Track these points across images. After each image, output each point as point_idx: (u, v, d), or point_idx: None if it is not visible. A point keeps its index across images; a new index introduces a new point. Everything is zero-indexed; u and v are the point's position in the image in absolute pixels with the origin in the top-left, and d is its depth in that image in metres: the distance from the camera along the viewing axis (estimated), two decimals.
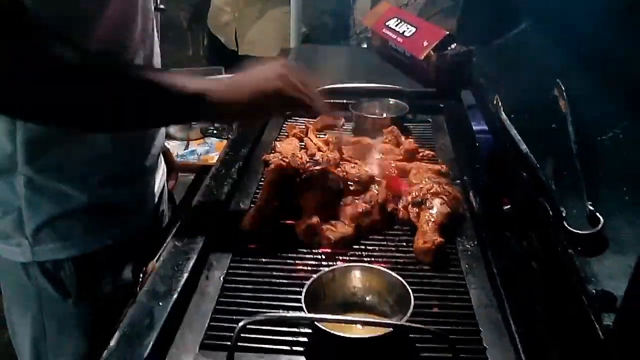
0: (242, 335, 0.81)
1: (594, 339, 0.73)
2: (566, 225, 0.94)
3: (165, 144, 2.36)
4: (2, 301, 1.25)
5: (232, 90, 1.02)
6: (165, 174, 1.45)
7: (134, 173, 1.22)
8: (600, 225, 0.91)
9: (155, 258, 1.03)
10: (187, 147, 2.45)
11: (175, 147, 2.38)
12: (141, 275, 1.23)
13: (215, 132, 2.30)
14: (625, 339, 0.68)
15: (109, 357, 0.79)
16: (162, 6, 1.16)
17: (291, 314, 0.86)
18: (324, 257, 1.03)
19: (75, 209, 1.13)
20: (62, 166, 1.09)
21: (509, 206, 1.17)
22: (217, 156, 2.27)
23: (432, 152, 1.38)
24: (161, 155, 1.41)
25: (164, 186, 1.42)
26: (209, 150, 2.44)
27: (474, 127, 1.61)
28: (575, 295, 0.83)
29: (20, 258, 1.14)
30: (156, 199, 1.35)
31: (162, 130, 1.34)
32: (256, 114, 1.16)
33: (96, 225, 1.16)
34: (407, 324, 0.78)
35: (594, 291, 0.83)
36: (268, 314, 0.86)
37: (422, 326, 0.78)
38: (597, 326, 0.73)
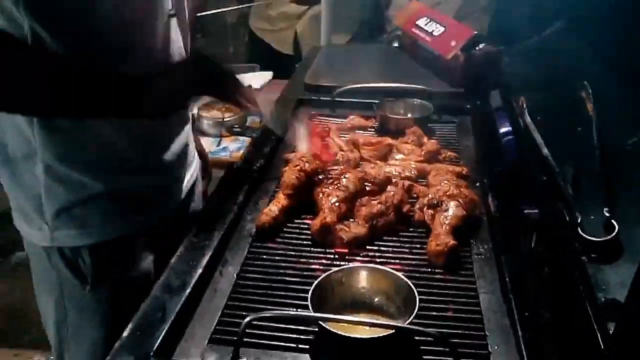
0: (249, 331, 0.83)
1: (597, 348, 0.72)
2: (580, 231, 0.93)
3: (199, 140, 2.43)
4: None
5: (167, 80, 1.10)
6: (199, 171, 1.47)
7: (152, 165, 1.25)
8: (615, 233, 0.90)
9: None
10: (219, 144, 2.47)
11: (207, 144, 2.42)
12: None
13: (240, 129, 2.32)
14: (623, 348, 0.67)
15: (120, 348, 0.82)
16: (172, 12, 1.18)
17: (295, 312, 0.87)
18: (336, 256, 1.04)
19: (91, 198, 1.16)
20: (77, 154, 1.13)
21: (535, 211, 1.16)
22: None
23: (454, 154, 1.37)
24: (194, 152, 1.44)
25: (194, 183, 1.45)
26: (240, 147, 2.45)
27: (502, 129, 1.59)
28: (583, 303, 0.82)
29: (42, 241, 1.19)
30: (183, 194, 1.38)
31: (186, 128, 1.36)
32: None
33: (113, 215, 1.20)
34: (408, 326, 0.79)
35: (603, 299, 0.82)
36: (273, 311, 0.87)
37: (422, 329, 0.78)
38: (598, 335, 0.72)
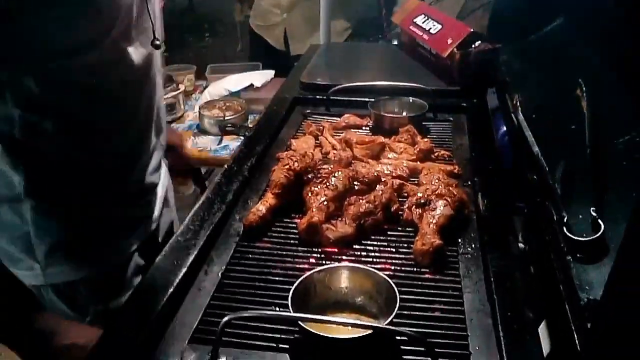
0: (230, 330, 0.83)
1: (574, 349, 0.72)
2: (565, 230, 0.92)
3: (200, 139, 2.43)
4: None
5: None
6: (167, 180, 1.46)
7: (140, 186, 1.25)
8: (600, 232, 0.89)
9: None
10: (220, 142, 2.48)
11: (208, 142, 2.43)
12: None
13: (233, 129, 2.32)
14: (598, 349, 0.66)
15: (100, 346, 0.82)
16: (157, 42, 1.18)
17: (274, 312, 0.87)
18: (323, 255, 1.04)
19: (82, 231, 1.15)
20: (64, 190, 1.12)
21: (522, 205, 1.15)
22: None
23: (447, 153, 1.36)
24: (161, 161, 1.42)
25: (166, 193, 1.44)
26: None
27: (498, 129, 1.58)
28: (565, 304, 0.81)
29: (33, 281, 1.16)
30: (160, 205, 1.37)
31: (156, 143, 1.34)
32: None
33: (107, 243, 1.19)
34: (385, 326, 0.78)
35: (585, 299, 0.81)
36: (252, 311, 0.87)
37: (398, 329, 0.77)
38: (575, 336, 0.71)
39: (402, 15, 1.91)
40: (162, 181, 1.36)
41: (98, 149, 1.14)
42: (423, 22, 1.78)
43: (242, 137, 2.51)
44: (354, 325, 0.79)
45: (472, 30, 1.62)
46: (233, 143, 2.49)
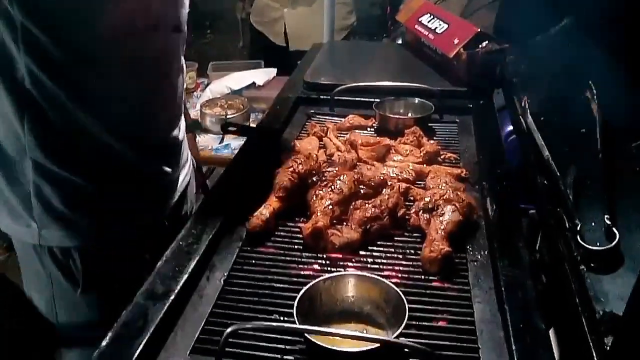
0: (233, 340, 0.81)
1: None
2: (579, 239, 0.89)
3: (201, 137, 2.40)
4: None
5: None
6: (192, 173, 1.46)
7: (146, 169, 1.24)
8: (615, 241, 0.86)
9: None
10: (221, 141, 2.45)
11: (210, 141, 2.40)
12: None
13: (235, 129, 2.30)
14: None
15: (98, 357, 0.79)
16: (177, 26, 1.20)
17: (279, 324, 0.84)
18: (328, 262, 1.01)
19: (82, 200, 1.15)
20: (69, 154, 1.12)
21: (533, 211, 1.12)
22: None
23: (454, 155, 1.33)
24: (188, 153, 1.42)
25: (187, 185, 1.43)
26: None
27: (506, 131, 1.56)
28: (580, 316, 0.78)
29: (29, 239, 1.18)
30: (176, 197, 1.36)
31: (182, 128, 1.34)
32: None
33: (105, 218, 1.19)
34: (394, 340, 0.76)
35: (601, 312, 0.79)
36: (257, 322, 0.84)
37: (407, 342, 0.75)
38: (592, 350, 0.68)
39: (407, 14, 1.88)
40: (184, 170, 1.38)
41: (107, 121, 1.14)
42: (429, 22, 1.75)
43: (242, 137, 2.49)
44: (361, 339, 0.77)
45: (479, 30, 1.58)
46: (235, 142, 2.46)
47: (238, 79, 2.67)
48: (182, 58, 1.31)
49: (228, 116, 2.43)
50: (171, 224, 1.38)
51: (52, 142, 1.12)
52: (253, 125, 2.28)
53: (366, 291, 0.88)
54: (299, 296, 0.84)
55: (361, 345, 0.77)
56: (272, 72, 2.72)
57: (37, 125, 1.10)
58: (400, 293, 0.84)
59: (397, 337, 0.78)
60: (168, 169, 1.31)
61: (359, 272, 0.92)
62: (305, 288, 0.86)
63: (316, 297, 0.87)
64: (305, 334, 0.78)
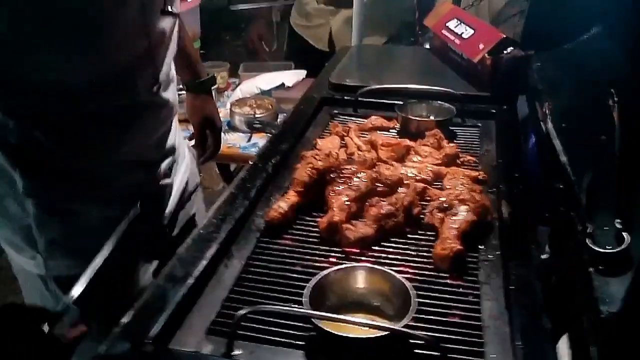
0: (247, 324, 0.85)
1: None
2: (588, 242, 0.90)
3: (230, 135, 2.45)
4: None
5: None
6: (187, 175, 1.46)
7: (144, 188, 1.25)
8: (624, 244, 0.87)
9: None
10: (249, 139, 2.50)
11: (238, 139, 2.45)
12: None
13: (260, 126, 2.34)
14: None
15: (118, 334, 0.84)
16: (173, 9, 1.18)
17: (290, 308, 0.88)
18: (343, 255, 1.04)
19: (86, 227, 1.16)
20: (66, 189, 1.13)
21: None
22: None
23: (473, 158, 1.35)
24: (185, 153, 1.44)
25: (184, 190, 1.44)
26: None
27: (529, 137, 1.56)
28: (585, 317, 0.80)
29: (35, 270, 1.19)
30: (173, 204, 1.37)
31: (172, 127, 1.36)
32: None
33: (109, 240, 1.19)
34: (399, 328, 0.78)
35: (606, 312, 0.80)
36: (267, 306, 0.88)
37: (413, 332, 0.77)
38: (590, 349, 0.70)
39: (435, 19, 1.90)
40: (179, 174, 1.38)
41: (93, 160, 1.15)
42: (455, 27, 1.77)
43: (269, 135, 2.54)
44: (369, 326, 0.79)
45: (504, 36, 1.60)
46: (262, 141, 2.51)
47: (268, 80, 2.72)
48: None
49: (257, 115, 2.48)
50: (172, 230, 1.40)
51: (47, 184, 1.12)
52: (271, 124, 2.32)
53: (376, 283, 0.91)
54: (310, 285, 0.88)
55: (368, 333, 0.81)
56: (302, 73, 2.76)
57: (31, 172, 1.11)
58: (409, 286, 0.87)
59: (404, 327, 0.80)
60: (167, 180, 1.33)
61: (370, 265, 0.94)
62: (316, 278, 0.89)
63: (327, 287, 0.90)
64: (313, 320, 0.81)
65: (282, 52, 3.38)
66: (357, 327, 0.82)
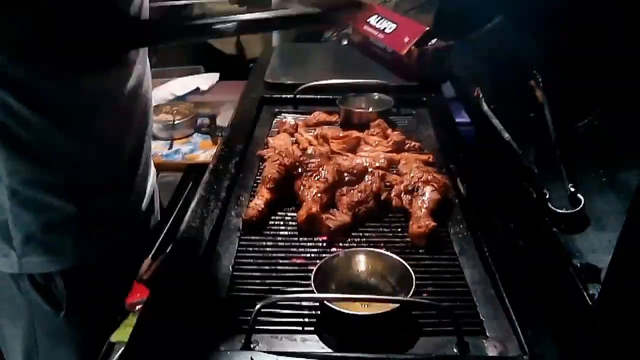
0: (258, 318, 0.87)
1: (582, 306, 0.81)
2: (550, 206, 1.02)
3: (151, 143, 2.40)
4: None
5: None
6: (155, 180, 1.47)
7: (120, 182, 1.25)
8: (581, 205, 0.99)
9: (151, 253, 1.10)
10: (171, 146, 2.46)
11: (159, 147, 2.40)
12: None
13: (209, 129, 2.33)
14: (610, 306, 0.76)
15: (132, 337, 0.83)
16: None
17: (305, 295, 0.92)
18: (324, 244, 1.09)
19: (62, 222, 1.14)
20: (44, 177, 1.11)
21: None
22: (202, 155, 2.31)
23: (418, 143, 1.44)
24: (151, 162, 1.44)
25: (154, 193, 1.45)
26: (193, 149, 2.45)
27: (459, 119, 1.69)
28: (562, 269, 0.91)
29: (8, 269, 1.15)
30: (145, 208, 1.38)
31: (148, 135, 1.35)
32: None
33: (85, 238, 1.18)
34: (416, 299, 0.85)
35: (578, 264, 0.91)
36: (282, 296, 0.91)
37: (428, 301, 0.84)
38: (585, 295, 0.81)
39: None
40: (150, 179, 1.37)
41: (76, 136, 1.13)
42: (377, 22, 1.86)
43: (191, 140, 2.52)
44: (387, 301, 0.85)
45: (428, 28, 1.72)
46: (184, 147, 2.48)
47: (181, 85, 2.69)
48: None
49: (176, 122, 2.45)
50: (143, 237, 1.39)
51: (27, 165, 1.10)
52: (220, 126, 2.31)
53: (373, 265, 0.97)
54: (314, 271, 0.92)
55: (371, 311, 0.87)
56: (215, 76, 2.75)
57: (13, 152, 1.08)
58: (405, 264, 0.93)
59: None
60: (139, 177, 1.32)
61: (367, 249, 1.00)
62: (318, 265, 0.94)
63: (328, 272, 0.95)
64: (326, 302, 0.86)
65: (188, 56, 3.35)
66: (360, 306, 0.88)
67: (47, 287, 1.18)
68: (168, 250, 1.03)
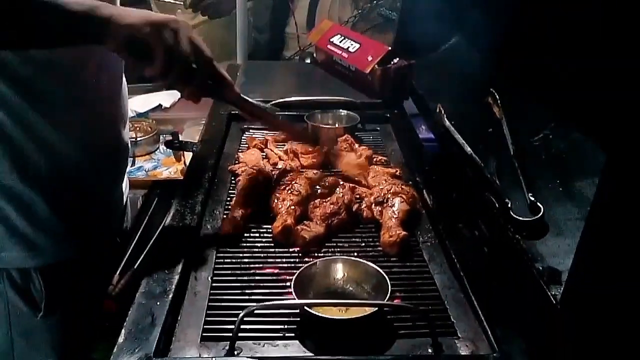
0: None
1: (546, 306, 0.87)
2: (512, 214, 1.08)
3: None
4: None
5: (125, 12, 0.96)
6: (128, 184, 1.49)
7: (101, 186, 1.27)
8: (541, 213, 1.06)
9: (119, 269, 1.11)
10: (133, 163, 2.45)
11: None
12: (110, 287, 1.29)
13: (178, 144, 2.33)
14: (572, 305, 0.82)
15: (119, 353, 0.85)
16: None
17: (287, 301, 0.95)
18: (300, 254, 1.13)
19: (42, 217, 1.16)
20: (24, 167, 1.12)
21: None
22: (165, 171, 2.32)
23: (384, 157, 1.50)
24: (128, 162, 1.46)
25: (127, 201, 1.47)
26: (156, 165, 2.45)
27: (422, 134, 1.76)
28: (526, 272, 0.97)
29: None
30: (121, 211, 1.40)
31: (126, 140, 1.38)
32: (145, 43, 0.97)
33: (63, 235, 1.20)
34: (395, 303, 0.90)
35: (540, 268, 0.98)
36: (265, 303, 0.94)
37: (405, 304, 0.89)
38: (549, 295, 0.87)
39: (319, 35, 2.04)
40: (126, 182, 1.40)
41: (58, 125, 1.14)
42: (340, 42, 1.93)
43: (154, 158, 2.52)
44: (367, 305, 0.89)
45: (390, 48, 1.79)
46: (147, 164, 2.48)
47: (143, 102, 2.69)
48: None
49: (138, 139, 2.45)
50: (119, 239, 1.42)
51: (7, 154, 1.11)
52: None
53: (349, 272, 1.01)
54: (293, 279, 0.96)
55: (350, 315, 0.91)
56: (177, 94, 2.76)
57: None
58: (381, 270, 0.98)
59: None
60: (116, 181, 1.34)
61: (343, 257, 1.05)
62: (297, 273, 0.97)
63: (306, 280, 0.98)
64: (306, 308, 0.89)
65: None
66: (338, 312, 0.92)
67: (25, 286, 1.18)
68: (136, 265, 1.05)
